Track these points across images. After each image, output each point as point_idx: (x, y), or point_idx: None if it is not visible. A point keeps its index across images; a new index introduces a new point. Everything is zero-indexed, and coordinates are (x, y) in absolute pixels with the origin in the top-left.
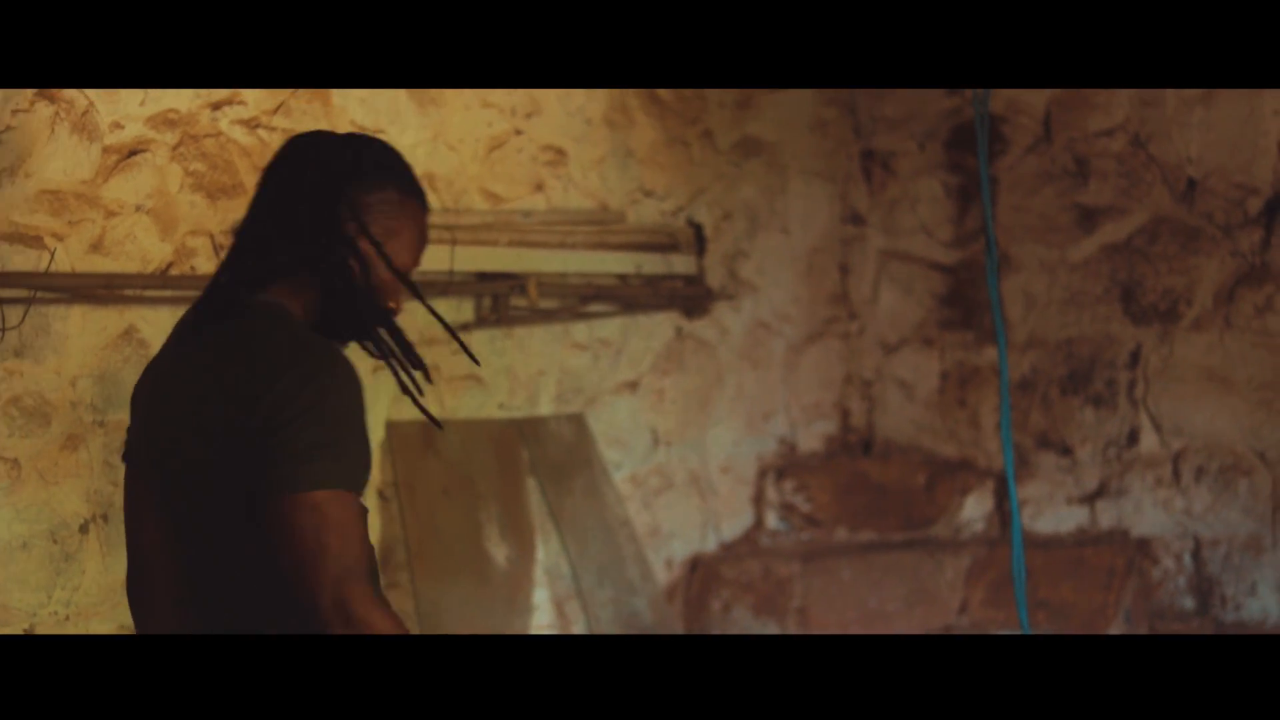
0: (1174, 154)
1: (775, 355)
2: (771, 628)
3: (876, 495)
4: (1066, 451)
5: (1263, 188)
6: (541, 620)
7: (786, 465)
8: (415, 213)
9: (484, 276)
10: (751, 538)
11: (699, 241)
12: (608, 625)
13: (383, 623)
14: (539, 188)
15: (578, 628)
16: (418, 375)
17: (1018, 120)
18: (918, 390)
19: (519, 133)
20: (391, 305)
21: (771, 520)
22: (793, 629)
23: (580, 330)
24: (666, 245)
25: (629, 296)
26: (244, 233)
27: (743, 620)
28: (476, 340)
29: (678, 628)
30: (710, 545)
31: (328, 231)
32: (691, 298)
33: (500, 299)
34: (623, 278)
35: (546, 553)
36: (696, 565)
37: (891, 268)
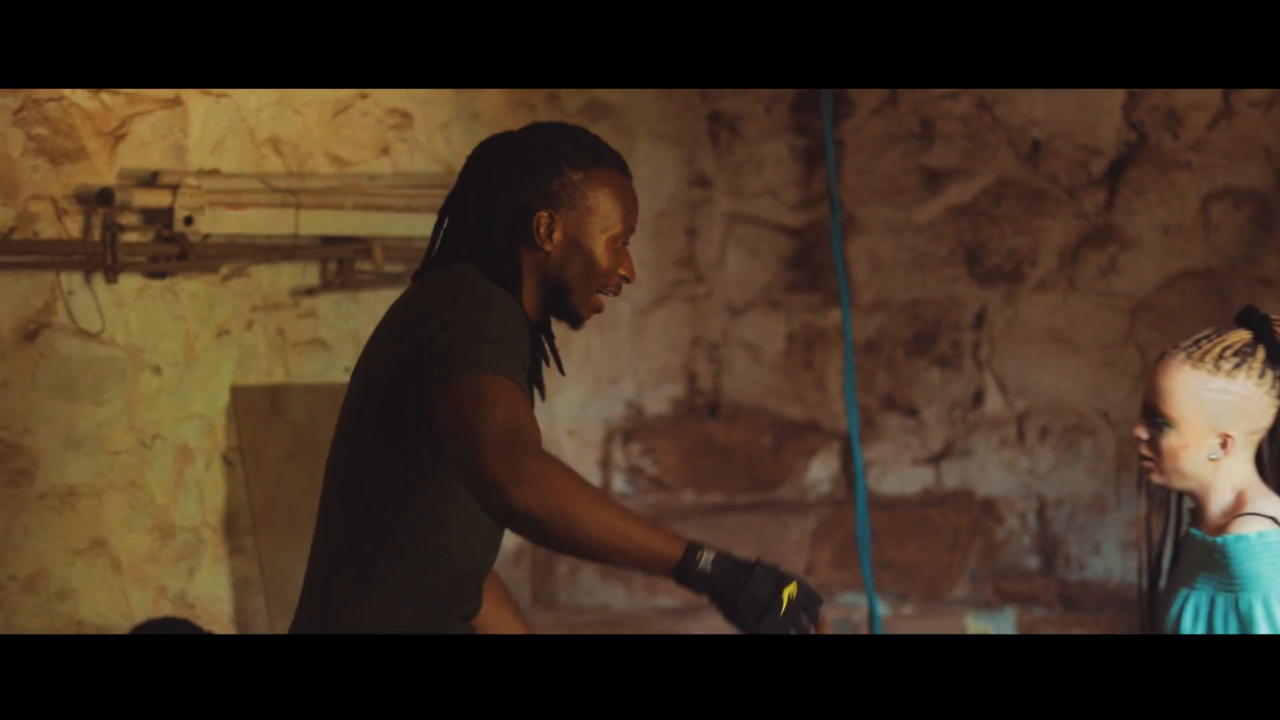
0: (1019, 116)
1: (622, 318)
2: (618, 590)
3: (723, 458)
4: (912, 413)
5: (1106, 149)
6: None
7: (633, 428)
8: (605, 185)
9: (329, 240)
10: None
11: None
12: None
13: (557, 476)
14: (385, 151)
15: None
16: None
17: None
18: (764, 353)
19: (364, 96)
20: (622, 274)
21: (618, 483)
22: (639, 593)
23: None
24: None
25: None
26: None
27: (589, 583)
28: (322, 305)
29: (525, 592)
30: None
31: (505, 228)
32: None
33: (346, 263)
34: None
35: None
36: None
37: (738, 231)
